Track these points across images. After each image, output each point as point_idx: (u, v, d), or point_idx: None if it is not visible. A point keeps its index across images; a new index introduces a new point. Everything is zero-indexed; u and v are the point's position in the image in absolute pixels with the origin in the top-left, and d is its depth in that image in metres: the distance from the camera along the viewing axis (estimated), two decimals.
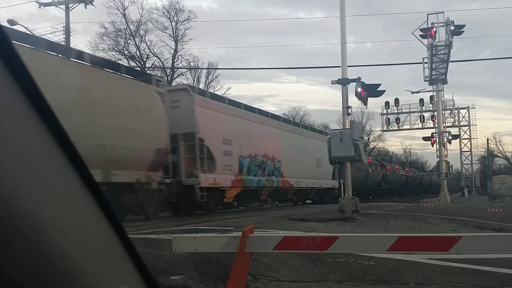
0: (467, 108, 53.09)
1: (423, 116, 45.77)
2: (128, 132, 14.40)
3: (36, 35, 15.64)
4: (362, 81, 16.51)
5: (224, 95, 40.28)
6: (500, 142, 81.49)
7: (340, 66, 17.11)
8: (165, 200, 16.26)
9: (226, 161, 20.42)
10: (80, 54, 15.03)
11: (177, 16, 45.19)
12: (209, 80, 49.59)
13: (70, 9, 30.80)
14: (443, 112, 40.85)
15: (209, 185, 18.49)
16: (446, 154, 36.85)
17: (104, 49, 41.73)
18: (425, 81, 36.51)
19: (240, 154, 21.98)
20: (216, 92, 43.38)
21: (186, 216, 17.34)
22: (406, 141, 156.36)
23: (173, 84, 38.08)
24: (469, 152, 54.28)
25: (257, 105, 30.15)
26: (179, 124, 17.34)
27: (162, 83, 18.91)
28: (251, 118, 23.85)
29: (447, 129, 40.67)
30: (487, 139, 65.46)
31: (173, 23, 45.29)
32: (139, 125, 14.99)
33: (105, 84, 14.21)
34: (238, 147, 21.73)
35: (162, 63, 45.58)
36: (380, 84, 17.01)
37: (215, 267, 5.93)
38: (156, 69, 43.85)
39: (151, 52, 45.34)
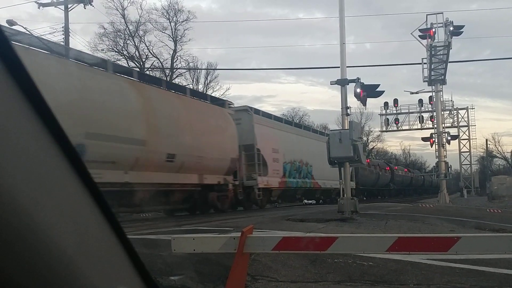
0: (466, 108, 53.10)
1: (422, 116, 45.78)
2: (215, 146, 19.08)
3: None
4: (361, 81, 16.53)
5: (223, 96, 40.39)
6: (499, 142, 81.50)
7: (339, 67, 17.13)
8: (234, 198, 21.22)
9: (274, 167, 25.15)
10: (183, 89, 21.01)
11: (176, 16, 45.29)
12: (208, 81, 49.69)
13: (69, 10, 30.79)
14: (442, 112, 40.82)
15: (263, 186, 23.32)
16: (445, 154, 36.85)
17: (103, 50, 41.78)
18: (424, 81, 36.50)
19: (284, 161, 26.95)
20: (215, 93, 43.51)
21: (185, 217, 17.45)
22: (405, 142, 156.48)
23: (174, 82, 38.05)
24: (468, 153, 54.32)
25: (256, 106, 32.28)
26: (241, 137, 21.63)
27: (229, 105, 23.27)
28: (290, 130, 29.36)
29: (446, 130, 40.66)
30: (486, 140, 65.60)
31: (172, 24, 45.38)
32: (221, 141, 19.76)
33: (199, 110, 19.09)
34: (282, 154, 26.66)
35: (161, 63, 45.65)
36: (379, 84, 17.03)
37: (214, 268, 5.93)
38: (155, 69, 43.89)
39: (150, 53, 45.42)
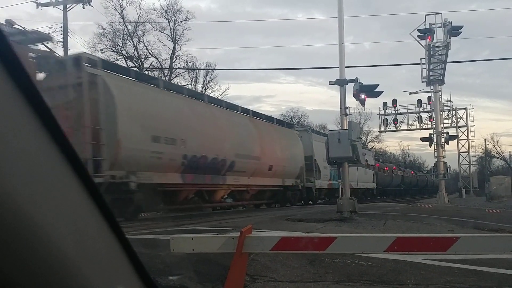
0: (465, 109, 53.18)
1: (421, 117, 45.86)
2: (291, 158, 27.07)
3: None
4: (360, 81, 16.53)
5: (222, 96, 40.40)
6: (498, 142, 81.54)
7: (338, 67, 17.13)
8: (299, 195, 28.97)
9: (324, 172, 32.43)
10: (271, 119, 28.27)
11: (175, 16, 45.29)
12: (207, 81, 49.69)
13: (68, 10, 30.78)
14: (441, 113, 40.86)
15: (318, 187, 31.54)
16: (444, 154, 36.85)
17: (102, 50, 41.75)
18: (423, 82, 36.50)
19: (330, 168, 32.70)
20: (213, 93, 43.56)
21: (184, 217, 17.41)
22: (404, 142, 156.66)
23: (173, 82, 38.06)
24: (467, 153, 54.39)
25: (255, 106, 35.04)
26: (303, 150, 29.01)
27: (295, 127, 33.41)
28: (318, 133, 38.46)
29: (445, 130, 40.68)
30: (485, 140, 65.65)
31: (171, 24, 45.37)
32: (294, 154, 27.63)
33: (281, 133, 27.18)
34: None
35: (160, 63, 45.65)
36: (378, 85, 17.03)
37: (213, 268, 5.93)
38: (154, 69, 43.87)
39: (149, 53, 45.41)
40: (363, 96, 16.64)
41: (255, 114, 25.80)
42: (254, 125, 23.76)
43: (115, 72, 16.04)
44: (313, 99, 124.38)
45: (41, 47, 14.00)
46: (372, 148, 70.39)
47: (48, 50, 14.54)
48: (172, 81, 41.24)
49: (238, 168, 20.99)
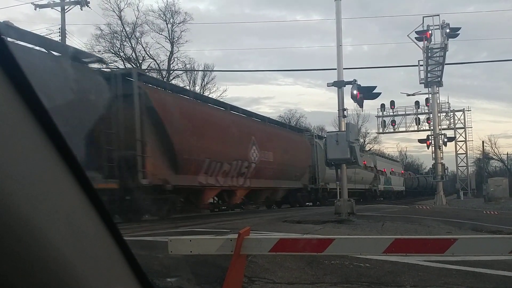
0: (463, 110, 53.28)
1: (419, 118, 45.96)
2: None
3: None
4: (358, 83, 16.56)
5: (220, 98, 40.35)
6: (495, 144, 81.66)
7: (336, 69, 17.14)
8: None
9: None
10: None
11: (173, 18, 45.24)
12: (205, 82, 49.67)
13: (66, 11, 30.77)
14: (439, 114, 40.95)
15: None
16: (441, 156, 36.90)
17: (99, 51, 41.70)
18: (420, 83, 36.58)
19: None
20: (211, 95, 43.53)
21: (182, 218, 17.43)
22: (402, 144, 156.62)
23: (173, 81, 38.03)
24: (465, 155, 54.47)
25: (253, 107, 35.22)
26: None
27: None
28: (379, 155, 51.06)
29: (443, 132, 40.75)
30: (483, 142, 65.76)
31: (169, 25, 45.34)
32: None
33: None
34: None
35: (158, 65, 45.62)
36: (376, 86, 17.09)
37: (211, 269, 5.92)
38: (152, 71, 43.84)
39: (147, 54, 45.40)
40: (361, 97, 16.65)
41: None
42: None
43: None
44: (311, 100, 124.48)
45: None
46: (370, 149, 70.46)
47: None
48: (169, 83, 41.24)
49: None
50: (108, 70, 19.68)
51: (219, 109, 21.29)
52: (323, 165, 29.56)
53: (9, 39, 11.02)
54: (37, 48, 12.30)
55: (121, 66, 37.47)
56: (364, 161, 39.37)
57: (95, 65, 15.22)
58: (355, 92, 16.36)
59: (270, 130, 25.24)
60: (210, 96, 37.77)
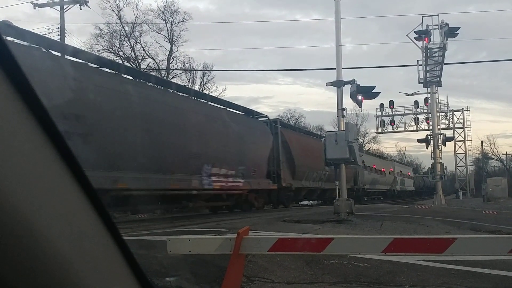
0: (462, 110, 53.33)
1: (418, 118, 46.04)
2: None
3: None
4: (357, 83, 16.54)
5: (220, 97, 40.33)
6: (494, 144, 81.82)
7: (335, 68, 17.13)
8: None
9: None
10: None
11: (172, 17, 45.21)
12: (204, 82, 49.65)
13: (65, 10, 30.74)
14: (438, 114, 40.99)
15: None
16: (440, 156, 36.92)
17: (99, 50, 41.68)
18: (419, 83, 36.61)
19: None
20: (211, 94, 43.49)
21: (180, 218, 17.45)
22: (401, 143, 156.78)
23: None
24: (464, 154, 54.51)
25: (253, 107, 35.13)
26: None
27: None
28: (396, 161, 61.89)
29: (442, 131, 40.78)
30: (482, 141, 65.77)
31: (168, 25, 45.31)
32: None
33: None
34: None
35: (157, 64, 45.59)
36: (375, 86, 17.03)
37: (210, 269, 5.92)
38: (151, 70, 43.81)
39: (146, 54, 45.36)
40: (360, 97, 16.64)
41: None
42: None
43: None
44: (310, 100, 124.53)
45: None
46: (369, 149, 70.63)
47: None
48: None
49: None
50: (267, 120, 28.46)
51: (314, 138, 34.17)
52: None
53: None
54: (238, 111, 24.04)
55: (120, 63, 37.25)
56: (383, 169, 50.87)
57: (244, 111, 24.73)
58: (354, 91, 16.35)
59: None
60: (209, 95, 37.67)
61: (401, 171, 63.21)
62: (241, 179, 21.12)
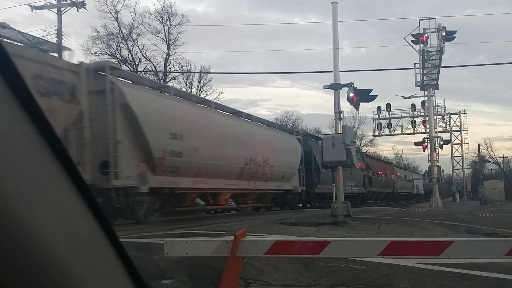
0: (459, 113, 53.45)
1: (415, 121, 46.08)
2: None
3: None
4: (354, 86, 16.57)
5: (216, 100, 40.39)
6: (491, 147, 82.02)
7: (332, 71, 17.16)
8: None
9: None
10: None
11: (169, 20, 45.19)
12: (202, 84, 49.62)
13: (62, 13, 30.73)
14: (435, 117, 41.06)
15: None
16: (437, 159, 37.04)
17: (96, 53, 41.64)
18: (416, 86, 36.74)
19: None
20: (208, 97, 43.51)
21: (177, 220, 17.45)
22: (398, 146, 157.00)
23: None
24: (461, 157, 54.59)
25: (251, 109, 35.71)
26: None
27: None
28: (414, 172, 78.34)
29: (439, 134, 40.90)
30: (478, 144, 65.88)
31: (166, 27, 45.30)
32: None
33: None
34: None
35: (155, 67, 45.53)
36: (372, 89, 17.08)
37: (206, 272, 5.91)
38: (148, 73, 43.80)
39: (144, 56, 45.29)
40: (357, 100, 16.67)
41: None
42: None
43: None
44: (308, 103, 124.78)
45: None
46: (366, 152, 70.67)
47: None
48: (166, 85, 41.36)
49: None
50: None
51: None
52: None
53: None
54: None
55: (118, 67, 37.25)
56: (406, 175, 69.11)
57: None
58: (351, 94, 16.36)
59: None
60: (206, 98, 37.69)
61: (415, 177, 76.76)
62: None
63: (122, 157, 14.45)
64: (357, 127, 71.99)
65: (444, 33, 32.27)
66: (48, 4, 30.85)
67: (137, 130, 15.15)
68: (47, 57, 13.53)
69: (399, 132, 47.98)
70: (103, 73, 14.66)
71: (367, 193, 45.20)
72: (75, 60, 15.58)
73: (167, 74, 45.52)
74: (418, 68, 35.28)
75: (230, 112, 23.75)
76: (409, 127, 46.66)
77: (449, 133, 50.73)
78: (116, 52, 43.97)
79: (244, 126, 23.21)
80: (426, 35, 32.91)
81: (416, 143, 40.05)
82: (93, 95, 13.93)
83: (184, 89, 42.82)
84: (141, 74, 36.55)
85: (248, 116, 25.55)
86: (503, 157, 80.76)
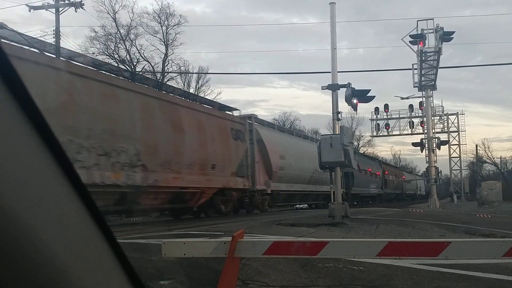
0: (456, 114, 53.50)
1: (413, 122, 46.13)
2: None
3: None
4: (352, 86, 16.57)
5: (214, 100, 40.35)
6: (489, 148, 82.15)
7: (330, 72, 17.17)
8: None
9: None
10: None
11: (167, 20, 45.18)
12: (200, 85, 49.60)
13: (60, 13, 30.70)
14: (432, 118, 41.09)
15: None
16: (435, 160, 37.05)
17: (94, 53, 41.59)
18: (414, 87, 36.73)
19: None
20: (206, 97, 43.50)
21: (175, 221, 17.46)
22: (396, 147, 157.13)
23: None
24: (458, 158, 54.65)
25: (249, 110, 36.84)
26: None
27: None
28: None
29: (436, 135, 40.90)
30: (476, 145, 65.98)
31: (164, 28, 45.28)
32: None
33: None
34: None
35: (153, 67, 45.49)
36: (370, 90, 17.07)
37: (204, 272, 5.91)
38: (146, 73, 43.76)
39: (141, 56, 45.25)
40: (355, 101, 16.67)
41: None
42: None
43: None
44: (306, 103, 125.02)
45: None
46: (364, 152, 70.74)
47: None
48: (164, 85, 41.32)
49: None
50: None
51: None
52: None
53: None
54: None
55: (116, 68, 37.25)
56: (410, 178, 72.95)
57: None
58: (349, 95, 16.38)
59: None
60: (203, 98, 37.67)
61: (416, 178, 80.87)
62: None
63: (258, 171, 23.89)
64: (355, 128, 72.20)
65: (442, 34, 32.29)
66: (46, 4, 30.83)
67: (264, 154, 24.95)
68: (228, 115, 22.84)
69: (397, 132, 48.07)
70: (249, 121, 24.03)
71: (384, 194, 55.04)
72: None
73: (165, 74, 45.51)
74: (416, 69, 35.31)
75: (302, 136, 34.94)
76: (407, 127, 46.74)
77: (447, 134, 50.79)
78: (114, 52, 43.95)
79: (310, 146, 29.76)
80: (424, 38, 32.90)
81: (414, 144, 40.09)
82: None
83: (181, 90, 42.78)
84: (140, 75, 36.60)
85: (312, 138, 35.93)
86: (500, 157, 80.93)
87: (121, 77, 16.81)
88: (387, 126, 47.28)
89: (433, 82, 36.27)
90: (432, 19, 33.83)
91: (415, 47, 33.83)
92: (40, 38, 18.20)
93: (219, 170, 19.63)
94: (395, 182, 62.31)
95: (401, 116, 47.22)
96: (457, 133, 53.25)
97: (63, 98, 11.94)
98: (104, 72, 15.82)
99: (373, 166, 51.07)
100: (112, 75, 16.19)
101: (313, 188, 32.51)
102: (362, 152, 69.96)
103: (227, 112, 23.38)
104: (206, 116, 19.78)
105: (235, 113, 24.29)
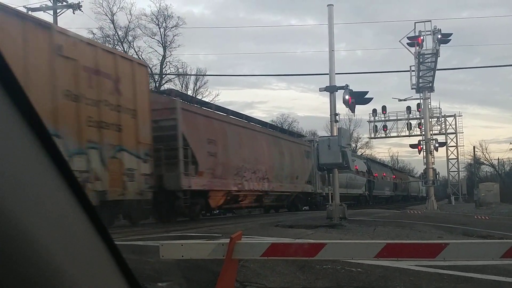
0: (454, 116, 53.55)
1: (410, 123, 46.15)
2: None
3: None
4: (350, 88, 16.58)
5: (212, 102, 40.42)
6: (486, 149, 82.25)
7: (328, 74, 17.19)
8: None
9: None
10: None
11: (165, 22, 45.22)
12: (198, 87, 49.62)
13: (58, 15, 30.68)
14: (430, 119, 41.13)
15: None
16: (433, 161, 37.07)
17: None
18: (412, 89, 36.74)
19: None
20: (204, 99, 43.56)
21: (173, 223, 17.48)
22: (394, 148, 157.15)
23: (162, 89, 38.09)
24: (456, 160, 54.70)
25: (247, 112, 36.62)
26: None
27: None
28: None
29: (434, 137, 40.94)
30: (474, 147, 66.06)
31: (162, 30, 45.32)
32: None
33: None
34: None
35: (150, 69, 45.37)
36: (368, 91, 17.07)
37: (202, 274, 5.90)
38: None
39: (139, 58, 45.23)
40: (352, 102, 16.68)
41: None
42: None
43: None
44: (304, 105, 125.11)
45: None
46: (362, 154, 70.84)
47: None
48: (162, 87, 41.31)
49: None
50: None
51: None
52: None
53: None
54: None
55: None
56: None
57: None
58: (347, 97, 16.36)
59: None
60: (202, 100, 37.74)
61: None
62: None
63: (317, 180, 31.36)
64: (353, 129, 72.33)
65: (439, 36, 32.31)
66: (44, 6, 30.83)
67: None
68: (302, 141, 32.57)
69: (395, 134, 48.10)
70: (314, 143, 27.40)
71: (394, 195, 63.39)
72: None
73: (163, 76, 45.52)
74: (413, 71, 35.34)
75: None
76: (404, 129, 46.75)
77: (444, 136, 50.82)
78: None
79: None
80: (422, 37, 32.93)
81: (412, 146, 40.13)
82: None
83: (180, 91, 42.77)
84: None
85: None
86: (498, 159, 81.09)
87: (258, 125, 26.91)
88: (385, 127, 47.30)
89: (430, 84, 36.29)
90: (430, 21, 33.89)
91: (412, 49, 33.89)
92: None
93: (299, 180, 29.42)
94: (402, 185, 69.83)
95: (399, 118, 47.25)
96: (454, 134, 53.29)
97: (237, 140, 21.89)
98: (244, 120, 25.29)
99: (387, 172, 61.34)
100: (251, 122, 26.05)
101: (351, 192, 41.60)
102: (360, 154, 70.09)
103: (301, 137, 35.06)
104: (292, 143, 29.59)
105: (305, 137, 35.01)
